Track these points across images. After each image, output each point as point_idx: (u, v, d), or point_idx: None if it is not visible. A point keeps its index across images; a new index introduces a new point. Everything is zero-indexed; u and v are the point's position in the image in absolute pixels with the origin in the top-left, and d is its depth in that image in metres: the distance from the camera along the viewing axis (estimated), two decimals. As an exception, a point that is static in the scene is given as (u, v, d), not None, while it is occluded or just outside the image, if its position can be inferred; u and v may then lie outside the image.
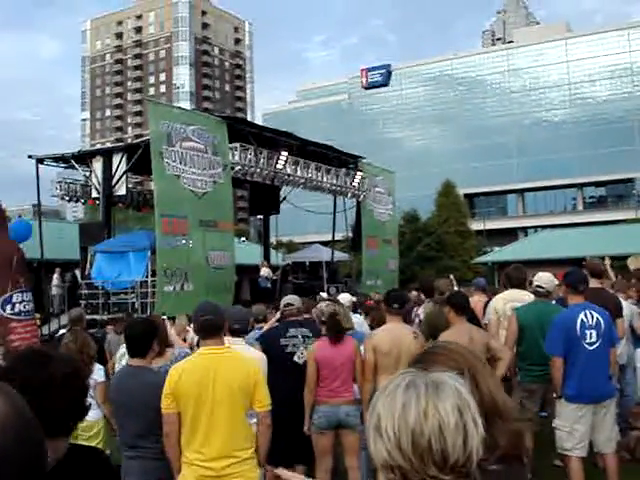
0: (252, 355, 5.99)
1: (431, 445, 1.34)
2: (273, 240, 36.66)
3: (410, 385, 1.42)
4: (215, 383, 4.55)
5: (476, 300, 9.33)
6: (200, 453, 4.54)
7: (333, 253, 32.55)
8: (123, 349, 8.43)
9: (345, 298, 9.78)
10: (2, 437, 0.87)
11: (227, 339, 5.81)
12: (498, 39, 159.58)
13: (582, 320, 6.13)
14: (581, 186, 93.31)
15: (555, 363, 6.20)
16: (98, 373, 6.91)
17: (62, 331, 15.02)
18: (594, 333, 6.11)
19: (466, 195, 77.33)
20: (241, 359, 5.04)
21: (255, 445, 4.80)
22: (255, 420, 4.86)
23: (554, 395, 6.39)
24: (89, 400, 6.37)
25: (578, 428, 6.15)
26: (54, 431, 1.83)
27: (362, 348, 6.69)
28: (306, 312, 8.47)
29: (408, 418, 1.36)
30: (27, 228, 17.22)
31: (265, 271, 26.02)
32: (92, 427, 6.63)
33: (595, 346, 6.10)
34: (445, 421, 1.36)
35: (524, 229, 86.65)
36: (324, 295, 20.31)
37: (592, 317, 6.15)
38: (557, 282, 8.06)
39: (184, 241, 19.70)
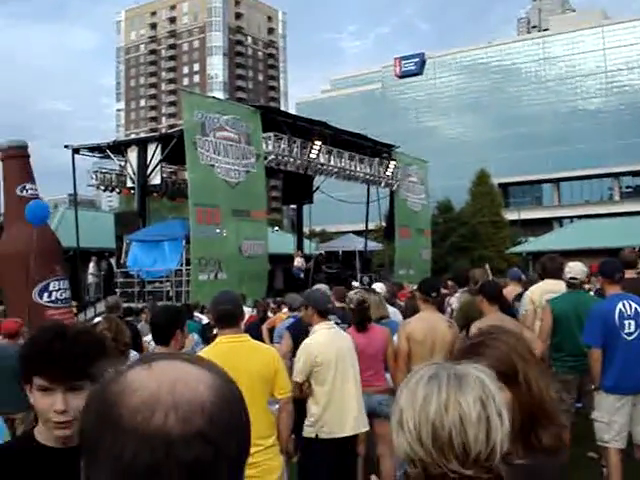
0: (343, 336, 6.03)
1: (452, 438, 1.33)
2: (306, 230, 36.70)
3: (433, 377, 1.41)
4: (235, 372, 4.52)
5: (510, 291, 9.25)
6: None
7: (366, 243, 32.47)
8: (148, 337, 8.64)
9: (380, 287, 9.76)
10: (228, 414, 0.90)
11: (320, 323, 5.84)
12: (533, 27, 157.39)
13: (620, 310, 6.04)
14: (618, 175, 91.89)
15: (593, 354, 6.10)
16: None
17: (97, 319, 15.20)
18: (633, 323, 6.02)
19: (500, 184, 76.57)
20: (260, 348, 5.06)
21: (277, 432, 4.82)
22: (277, 407, 4.88)
23: (592, 387, 6.32)
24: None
25: (617, 419, 6.05)
26: (76, 375, 2.01)
27: (396, 337, 6.68)
28: (339, 300, 8.47)
29: (429, 411, 1.35)
30: (44, 208, 17.21)
31: (299, 261, 26.04)
32: None
33: (634, 336, 6.00)
34: (467, 413, 1.33)
35: (559, 219, 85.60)
36: (356, 284, 20.34)
37: (630, 307, 6.05)
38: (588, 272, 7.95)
39: (218, 230, 19.80)
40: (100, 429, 0.85)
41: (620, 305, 6.06)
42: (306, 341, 5.75)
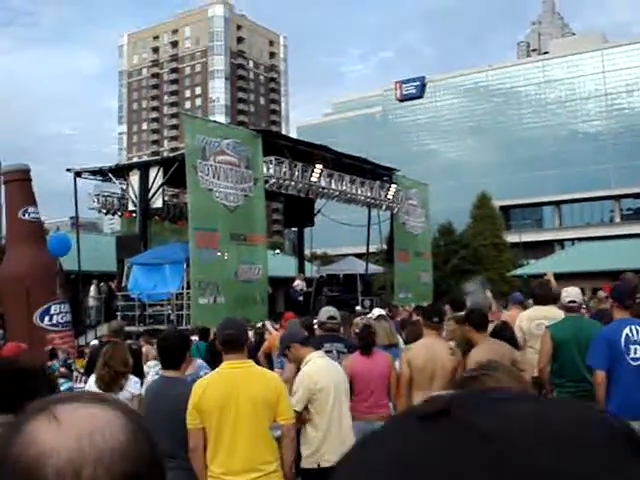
0: (336, 365, 5.99)
1: None
2: (307, 252, 36.66)
3: None
4: (238, 397, 4.58)
5: (513, 315, 9.24)
6: (225, 467, 4.57)
7: (367, 266, 32.41)
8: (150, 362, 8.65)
9: (379, 312, 9.73)
10: (148, 449, 0.89)
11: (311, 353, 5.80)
12: (533, 50, 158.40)
13: (627, 335, 5.97)
14: (618, 198, 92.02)
15: (597, 377, 5.99)
16: (134, 386, 6.90)
17: (94, 342, 15.14)
18: (639, 348, 5.99)
19: (501, 207, 76.66)
20: (263, 373, 5.08)
21: (280, 458, 4.81)
22: (279, 433, 4.87)
23: None
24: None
25: None
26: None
27: (397, 363, 6.69)
28: (344, 326, 8.51)
29: None
30: (66, 241, 17.25)
31: (298, 283, 25.94)
32: None
33: (640, 362, 5.98)
34: None
35: (561, 241, 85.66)
36: (359, 309, 20.28)
37: (637, 332, 5.98)
38: (605, 294, 7.96)
39: (219, 254, 19.78)
40: None
41: (627, 330, 6.00)
42: (304, 369, 5.68)
